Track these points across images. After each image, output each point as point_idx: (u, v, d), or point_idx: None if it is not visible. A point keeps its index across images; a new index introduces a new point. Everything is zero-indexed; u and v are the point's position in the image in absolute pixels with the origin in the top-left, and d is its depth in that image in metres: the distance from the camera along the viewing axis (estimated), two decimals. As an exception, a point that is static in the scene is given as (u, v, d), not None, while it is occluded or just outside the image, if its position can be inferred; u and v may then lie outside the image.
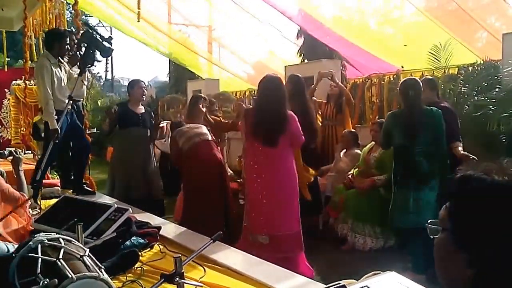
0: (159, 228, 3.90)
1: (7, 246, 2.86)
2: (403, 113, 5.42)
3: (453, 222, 1.17)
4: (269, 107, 4.85)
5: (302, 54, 12.08)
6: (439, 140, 5.34)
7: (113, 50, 5.61)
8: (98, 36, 5.50)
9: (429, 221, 1.27)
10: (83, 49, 5.68)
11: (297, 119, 4.94)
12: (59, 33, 6.38)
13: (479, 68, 7.41)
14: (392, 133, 5.42)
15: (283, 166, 4.90)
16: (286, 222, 4.89)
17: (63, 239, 2.03)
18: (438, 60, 7.76)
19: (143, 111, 6.82)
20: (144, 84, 7.09)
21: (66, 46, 6.03)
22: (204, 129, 6.15)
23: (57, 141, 5.62)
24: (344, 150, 7.52)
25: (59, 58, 5.96)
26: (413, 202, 5.19)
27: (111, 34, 28.94)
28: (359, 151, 7.22)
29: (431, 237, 1.26)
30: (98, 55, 5.57)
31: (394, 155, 5.50)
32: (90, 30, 5.54)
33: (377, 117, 9.00)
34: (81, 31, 6.22)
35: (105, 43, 5.45)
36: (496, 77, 6.81)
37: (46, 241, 1.98)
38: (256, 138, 4.90)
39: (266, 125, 4.81)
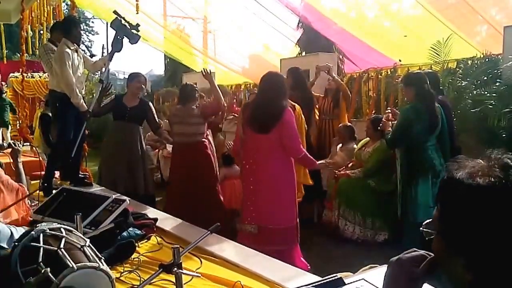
0: (155, 219, 3.93)
1: (10, 230, 2.89)
2: (423, 107, 5.30)
3: (444, 226, 1.16)
4: (269, 100, 4.85)
5: (300, 47, 12.08)
6: (445, 134, 5.40)
7: (140, 37, 5.74)
8: (126, 24, 5.60)
9: (424, 223, 1.27)
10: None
11: (295, 122, 4.90)
12: (75, 19, 6.61)
13: (478, 62, 7.39)
14: (414, 129, 5.29)
15: (275, 156, 4.85)
16: (278, 215, 4.84)
17: (64, 229, 2.05)
18: (438, 55, 7.75)
19: (135, 104, 6.65)
20: (144, 78, 6.95)
21: (81, 32, 6.19)
22: (200, 128, 6.31)
23: (90, 118, 6.01)
24: (341, 145, 7.55)
25: (76, 44, 6.06)
26: (432, 197, 5.22)
27: (106, 27, 29.07)
28: (355, 146, 7.26)
29: (427, 239, 1.25)
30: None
31: (410, 151, 5.40)
32: (119, 18, 5.59)
33: (373, 111, 9.03)
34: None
35: (133, 30, 5.61)
36: (496, 71, 6.79)
37: (48, 231, 2.00)
38: (250, 126, 4.90)
39: (262, 113, 4.82)
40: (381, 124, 5.96)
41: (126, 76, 7.01)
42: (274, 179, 4.82)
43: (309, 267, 4.89)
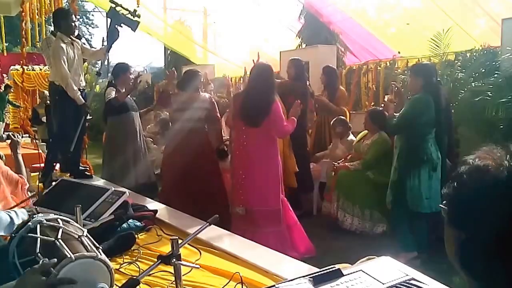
0: (155, 211, 3.94)
1: (10, 216, 2.89)
2: (431, 99, 5.26)
3: (448, 201, 1.16)
4: (258, 93, 5.13)
5: (301, 39, 12.04)
6: (443, 128, 5.43)
7: (138, 23, 5.76)
8: (124, 12, 5.59)
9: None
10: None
11: (281, 110, 5.19)
12: (63, 11, 6.63)
13: (477, 54, 7.40)
14: (420, 119, 5.24)
15: (263, 147, 5.19)
16: (262, 198, 5.18)
17: (61, 219, 2.05)
18: (438, 47, 7.74)
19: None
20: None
21: (73, 23, 6.14)
22: (202, 113, 6.14)
23: (89, 112, 6.06)
24: (340, 138, 7.54)
25: (71, 37, 6.05)
26: (429, 189, 5.26)
27: (106, 20, 28.98)
28: (354, 138, 7.27)
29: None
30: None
31: (412, 141, 5.34)
32: (113, 5, 5.57)
33: (372, 103, 9.03)
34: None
35: (134, 18, 5.63)
36: (494, 63, 6.80)
37: (45, 222, 2.00)
38: (241, 119, 5.24)
39: (252, 107, 5.13)
40: (383, 105, 5.94)
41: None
42: (261, 166, 5.19)
43: (314, 249, 5.39)
